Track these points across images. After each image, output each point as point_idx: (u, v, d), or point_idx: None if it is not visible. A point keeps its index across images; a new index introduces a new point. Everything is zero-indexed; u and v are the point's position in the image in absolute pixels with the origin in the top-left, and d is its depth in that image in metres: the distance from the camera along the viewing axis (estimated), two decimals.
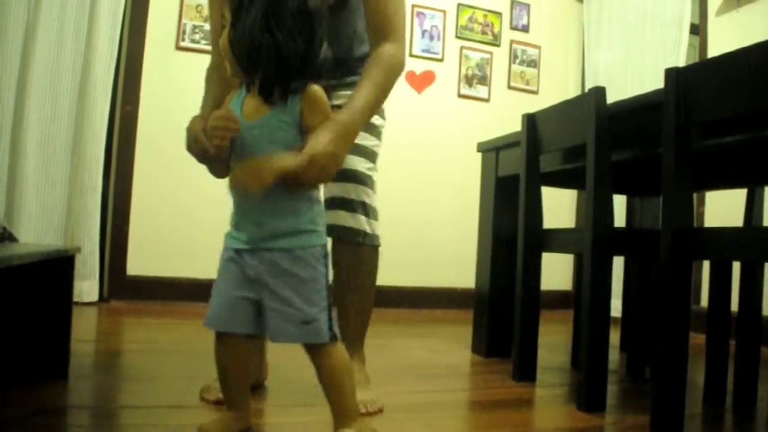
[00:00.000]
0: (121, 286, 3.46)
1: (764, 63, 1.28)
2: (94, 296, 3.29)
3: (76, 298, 3.09)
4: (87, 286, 3.25)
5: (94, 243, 3.30)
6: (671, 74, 1.50)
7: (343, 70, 1.76)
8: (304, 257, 1.23)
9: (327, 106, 1.26)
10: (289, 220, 1.23)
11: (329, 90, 1.69)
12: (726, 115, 1.38)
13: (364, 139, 1.70)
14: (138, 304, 3.41)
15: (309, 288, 1.22)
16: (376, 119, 1.75)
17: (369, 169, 1.73)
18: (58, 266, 1.69)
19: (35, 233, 3.18)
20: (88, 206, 3.26)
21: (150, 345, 2.36)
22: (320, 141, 1.22)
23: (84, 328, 2.65)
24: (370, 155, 1.74)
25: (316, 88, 1.23)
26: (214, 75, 1.60)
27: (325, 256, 1.26)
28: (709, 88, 1.42)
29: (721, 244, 1.41)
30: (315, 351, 1.24)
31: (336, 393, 1.25)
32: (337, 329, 1.25)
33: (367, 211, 1.71)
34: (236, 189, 1.24)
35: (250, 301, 1.24)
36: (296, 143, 1.22)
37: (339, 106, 1.63)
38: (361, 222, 1.68)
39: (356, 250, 1.68)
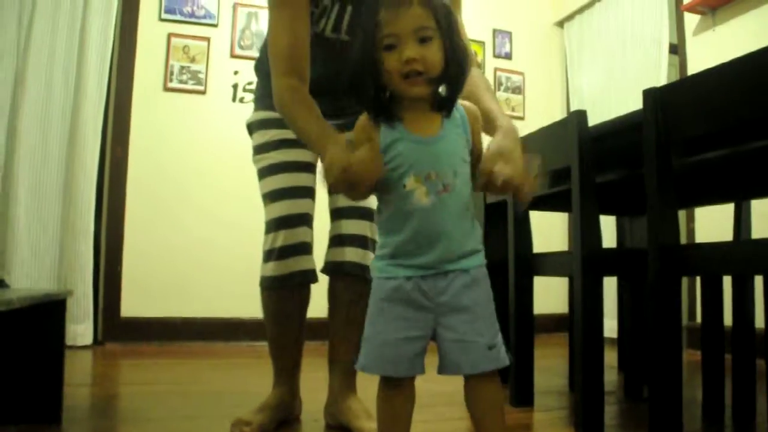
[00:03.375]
0: (116, 328, 3.44)
1: (738, 79, 1.31)
2: (88, 339, 3.27)
3: (70, 342, 3.08)
4: (81, 329, 3.24)
5: (88, 286, 3.30)
6: (649, 94, 1.52)
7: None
8: (481, 277, 1.14)
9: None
10: (470, 238, 1.14)
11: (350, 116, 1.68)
12: (704, 132, 1.41)
13: None
14: (133, 345, 3.39)
15: (489, 310, 1.13)
16: None
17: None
18: (50, 310, 1.69)
19: (28, 277, 3.17)
20: (80, 249, 3.26)
21: (145, 387, 2.33)
22: (510, 144, 1.18)
23: (78, 371, 2.63)
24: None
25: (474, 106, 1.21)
26: (300, 97, 1.41)
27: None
28: (687, 106, 1.44)
29: (708, 260, 1.42)
30: (483, 379, 1.12)
31: (499, 424, 1.14)
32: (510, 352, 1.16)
33: (374, 247, 1.72)
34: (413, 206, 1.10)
35: (421, 339, 1.11)
36: (466, 155, 1.15)
37: None
38: (369, 259, 1.69)
39: (362, 285, 1.63)
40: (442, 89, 1.13)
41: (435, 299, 1.09)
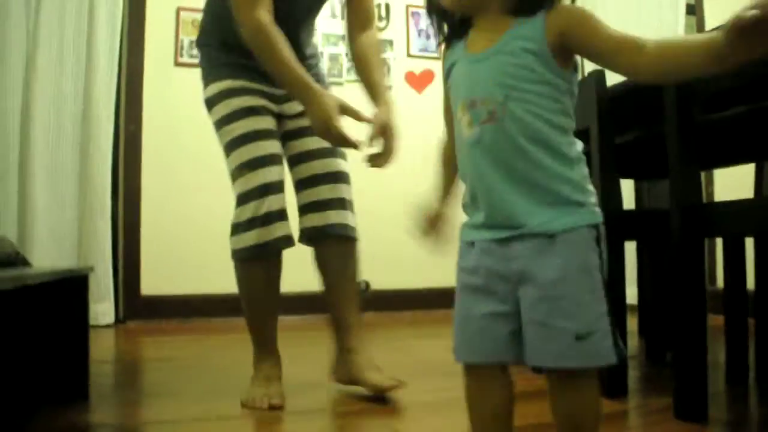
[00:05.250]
0: (137, 306, 3.47)
1: None
2: (110, 318, 3.31)
3: (92, 321, 3.09)
4: (102, 309, 3.27)
5: (107, 265, 3.32)
6: None
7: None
8: (573, 241, 0.87)
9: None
10: (545, 185, 0.87)
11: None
12: (726, 87, 1.38)
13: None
14: (154, 323, 3.42)
15: (581, 285, 0.87)
16: None
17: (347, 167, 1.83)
18: (73, 287, 1.70)
19: (48, 258, 3.20)
20: (98, 228, 3.29)
21: (169, 363, 2.36)
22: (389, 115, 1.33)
23: (102, 349, 2.67)
24: (345, 154, 1.83)
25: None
26: (275, 34, 1.53)
27: (599, 239, 0.90)
28: None
29: (732, 218, 1.40)
30: (569, 378, 0.87)
31: None
32: (622, 345, 0.88)
33: (353, 208, 1.80)
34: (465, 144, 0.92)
35: (505, 317, 0.89)
36: (533, 70, 0.87)
37: (298, 115, 1.78)
38: (353, 219, 1.80)
39: (352, 244, 1.79)
40: None
41: (509, 265, 0.88)
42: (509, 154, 0.87)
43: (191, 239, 3.56)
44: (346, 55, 3.87)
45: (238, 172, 1.69)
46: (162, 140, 3.56)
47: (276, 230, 1.66)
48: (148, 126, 3.55)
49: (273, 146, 1.72)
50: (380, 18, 4.01)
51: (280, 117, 1.79)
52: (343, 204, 1.77)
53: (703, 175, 3.36)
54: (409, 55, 4.06)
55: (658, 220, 1.84)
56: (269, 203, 1.65)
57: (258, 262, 1.69)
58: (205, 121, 3.72)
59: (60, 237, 3.27)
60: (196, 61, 3.57)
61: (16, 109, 3.21)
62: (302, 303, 3.52)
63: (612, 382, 1.69)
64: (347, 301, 1.78)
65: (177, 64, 3.61)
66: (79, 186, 3.31)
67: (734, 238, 1.92)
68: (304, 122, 1.70)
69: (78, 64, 3.34)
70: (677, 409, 1.47)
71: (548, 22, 0.87)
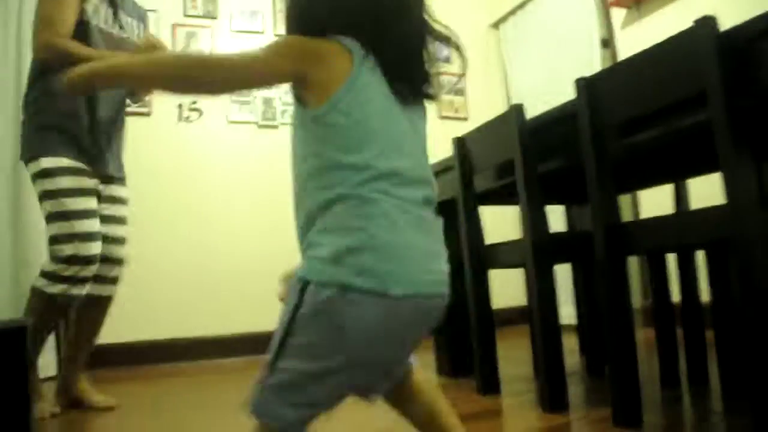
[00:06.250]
0: None
1: (660, 63, 1.40)
2: (52, 370, 3.20)
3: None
4: (44, 361, 3.15)
5: None
6: (581, 84, 1.61)
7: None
8: (291, 293, 0.88)
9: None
10: (309, 227, 0.91)
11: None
12: (634, 115, 1.49)
13: (125, 231, 2.38)
14: (98, 372, 3.33)
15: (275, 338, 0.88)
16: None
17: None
18: (11, 340, 1.66)
19: None
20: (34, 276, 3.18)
21: (116, 411, 2.31)
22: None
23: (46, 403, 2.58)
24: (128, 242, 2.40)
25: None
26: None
27: (302, 296, 0.86)
28: (616, 92, 1.53)
29: (649, 235, 1.51)
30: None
31: None
32: (277, 410, 0.87)
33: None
34: None
35: None
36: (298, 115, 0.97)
37: (111, 201, 2.32)
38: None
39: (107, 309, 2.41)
40: None
41: None
42: (300, 180, 0.96)
43: (135, 284, 3.50)
44: (279, 99, 3.94)
45: (67, 238, 2.07)
46: None
47: (85, 290, 2.17)
48: None
49: (97, 225, 2.15)
50: None
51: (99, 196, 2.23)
52: (114, 282, 2.38)
53: (629, 198, 3.54)
54: None
55: (583, 241, 1.95)
56: (89, 271, 2.12)
57: (61, 304, 2.12)
58: (137, 171, 3.72)
59: None
60: (143, 109, 3.59)
61: None
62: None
63: (552, 396, 1.77)
64: (89, 344, 2.39)
65: None
66: (12, 238, 3.21)
67: (656, 256, 2.04)
68: (111, 211, 2.27)
69: (6, 115, 3.28)
70: (615, 416, 1.55)
71: None
